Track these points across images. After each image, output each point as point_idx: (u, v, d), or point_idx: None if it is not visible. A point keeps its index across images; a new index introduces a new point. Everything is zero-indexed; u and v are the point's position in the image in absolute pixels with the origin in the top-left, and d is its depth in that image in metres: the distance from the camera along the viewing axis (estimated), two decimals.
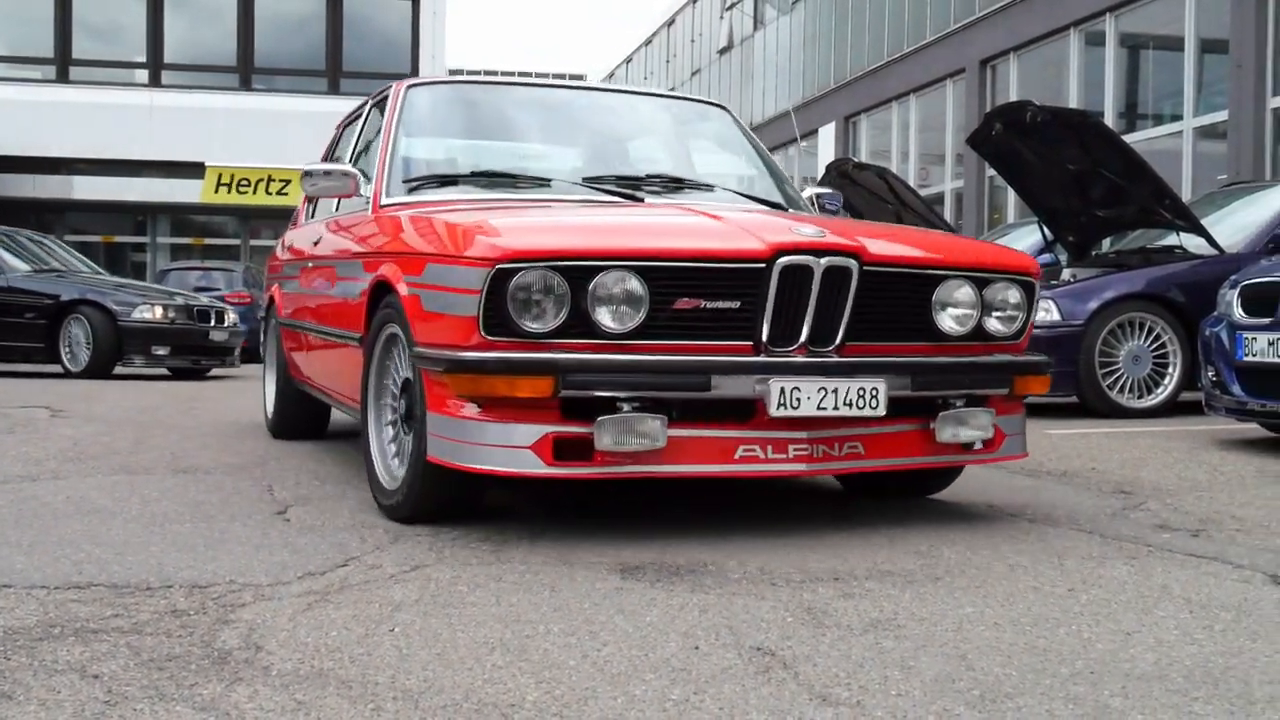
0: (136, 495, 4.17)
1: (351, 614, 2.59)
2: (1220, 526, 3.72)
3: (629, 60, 54.05)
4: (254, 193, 23.25)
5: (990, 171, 18.87)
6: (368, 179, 4.51)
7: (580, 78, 63.55)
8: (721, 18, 37.65)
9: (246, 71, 23.51)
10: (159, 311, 11.91)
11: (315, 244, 5.31)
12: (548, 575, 2.99)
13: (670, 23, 45.69)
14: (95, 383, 10.80)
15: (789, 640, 2.41)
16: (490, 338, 3.26)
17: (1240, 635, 2.49)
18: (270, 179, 23.10)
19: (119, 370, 12.11)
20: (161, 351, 11.86)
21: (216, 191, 23.16)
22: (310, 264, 5.39)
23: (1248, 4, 14.63)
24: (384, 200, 4.33)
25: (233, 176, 23.04)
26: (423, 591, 2.80)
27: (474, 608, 2.66)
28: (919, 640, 2.42)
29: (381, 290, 3.89)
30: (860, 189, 10.89)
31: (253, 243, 25.07)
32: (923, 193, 20.86)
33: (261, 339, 6.76)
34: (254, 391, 9.69)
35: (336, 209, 5.23)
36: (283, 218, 25.34)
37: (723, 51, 37.64)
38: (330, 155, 6.05)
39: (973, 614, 2.64)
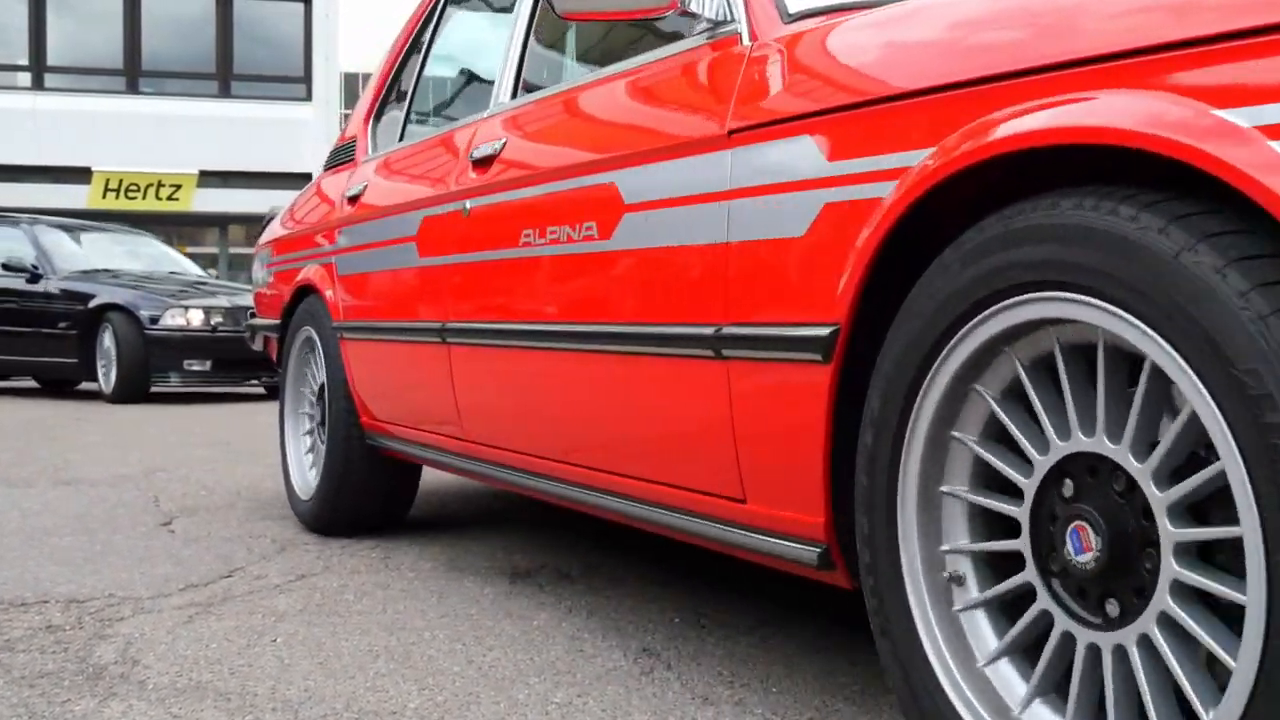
0: (15, 509, 4.06)
1: (233, 625, 2.55)
2: None
3: None
4: (143, 198, 22.79)
5: None
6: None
7: None
8: None
9: (134, 74, 23.04)
10: (195, 317, 9.47)
11: (485, 164, 2.75)
12: (436, 582, 2.97)
13: None
14: None
15: (675, 641, 2.41)
16: None
17: None
18: (160, 184, 22.66)
19: (185, 392, 10.22)
20: (198, 367, 9.42)
21: (104, 197, 22.65)
22: (469, 205, 2.79)
23: None
24: (792, 7, 2.00)
25: (121, 181, 22.56)
26: (307, 601, 2.76)
27: (359, 616, 2.63)
28: (804, 638, 2.44)
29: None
30: None
31: None
32: None
33: (280, 363, 4.14)
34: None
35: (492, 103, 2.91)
36: (175, 223, 24.83)
37: None
38: (406, 61, 3.78)
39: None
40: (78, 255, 10.57)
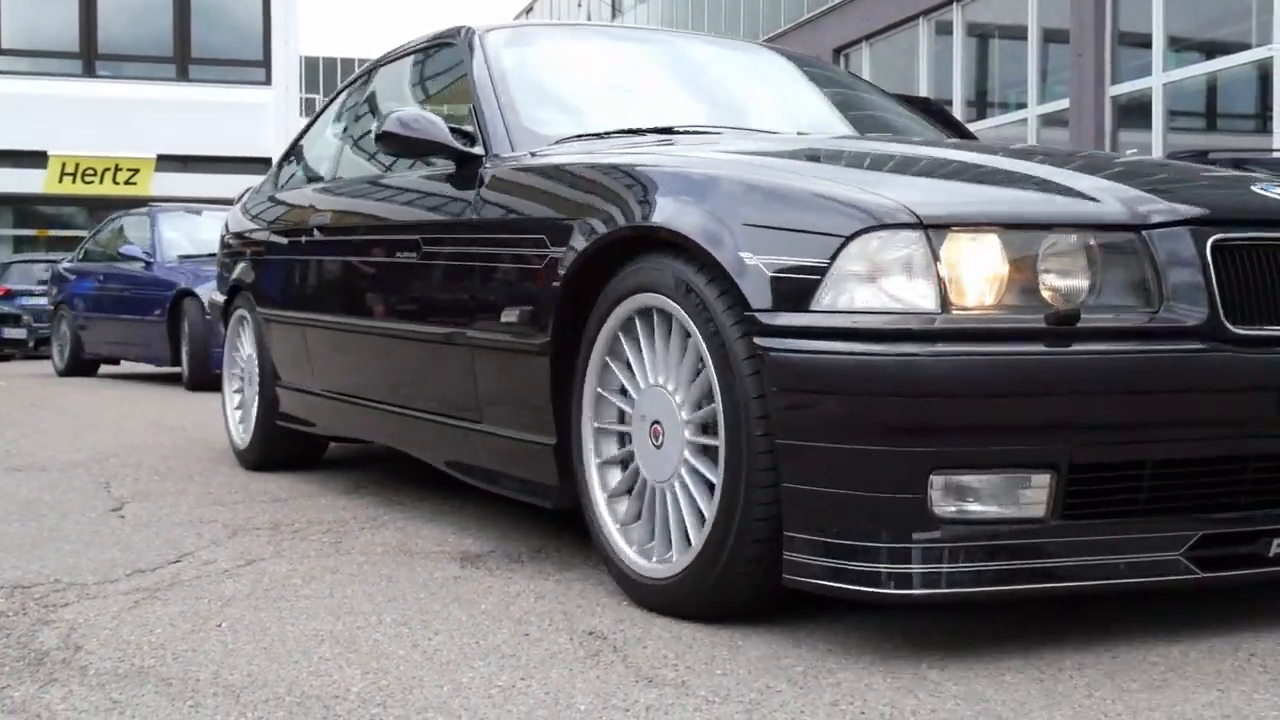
0: None
1: (179, 610, 2.54)
2: None
3: None
4: (100, 182, 22.60)
5: None
6: None
7: None
8: (580, 5, 37.61)
9: (90, 57, 22.82)
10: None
11: None
12: (386, 566, 2.96)
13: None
14: None
15: (622, 624, 2.42)
16: None
17: None
18: (118, 168, 22.48)
19: None
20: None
21: (61, 181, 22.46)
22: None
23: None
24: None
25: (78, 166, 22.37)
26: (255, 585, 2.76)
27: (307, 600, 2.62)
28: (749, 621, 2.45)
29: None
30: None
31: None
32: None
33: None
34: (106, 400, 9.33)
35: None
36: (132, 207, 24.73)
37: None
38: None
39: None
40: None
